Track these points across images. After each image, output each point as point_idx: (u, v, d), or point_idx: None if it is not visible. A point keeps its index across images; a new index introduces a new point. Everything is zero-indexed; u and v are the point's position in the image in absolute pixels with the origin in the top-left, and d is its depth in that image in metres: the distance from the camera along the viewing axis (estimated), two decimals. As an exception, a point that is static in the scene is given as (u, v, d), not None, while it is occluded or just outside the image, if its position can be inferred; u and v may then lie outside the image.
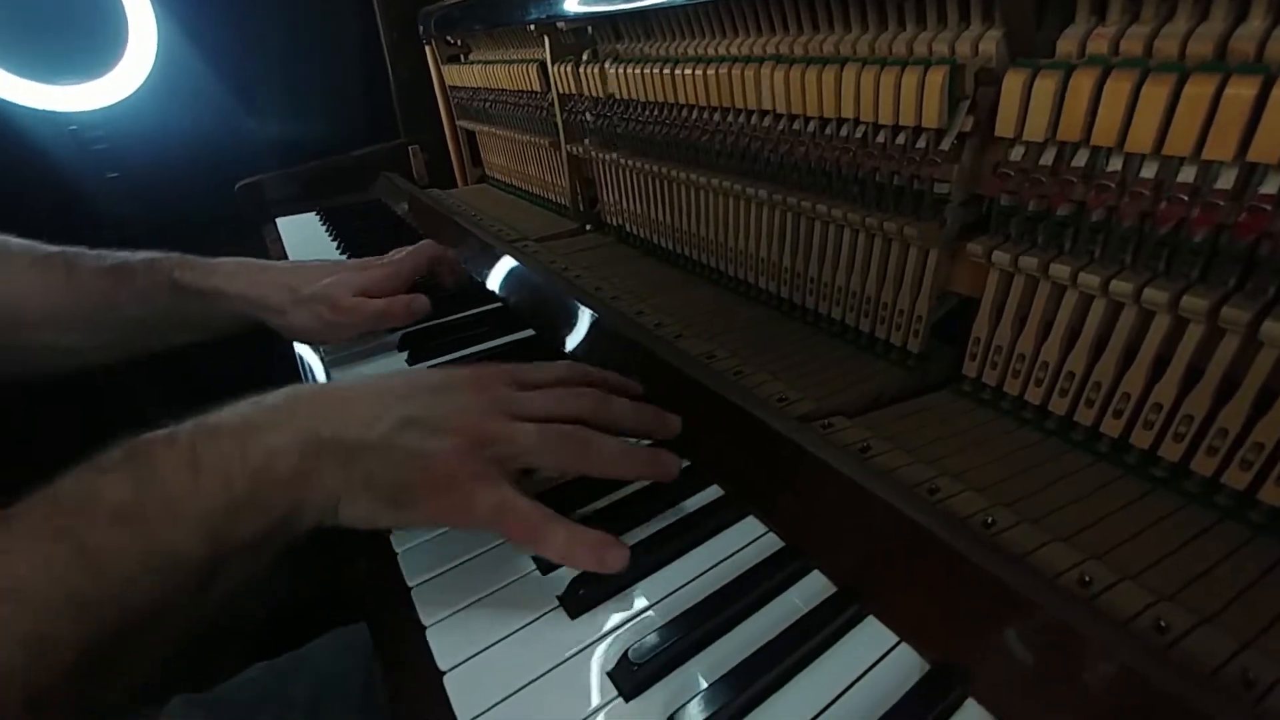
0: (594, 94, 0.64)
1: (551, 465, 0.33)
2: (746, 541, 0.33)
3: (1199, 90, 0.25)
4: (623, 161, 0.64)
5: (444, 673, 0.27)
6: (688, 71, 0.50)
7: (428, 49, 1.03)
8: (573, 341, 0.52)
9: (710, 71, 0.48)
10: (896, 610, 0.28)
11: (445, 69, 1.02)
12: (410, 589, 0.31)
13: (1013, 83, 0.31)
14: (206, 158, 1.10)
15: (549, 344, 0.54)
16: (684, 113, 0.54)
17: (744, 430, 0.37)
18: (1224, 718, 0.21)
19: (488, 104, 0.92)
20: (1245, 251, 0.27)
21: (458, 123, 1.07)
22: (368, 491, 0.30)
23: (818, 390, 0.41)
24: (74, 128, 1.02)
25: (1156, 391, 0.32)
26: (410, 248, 0.58)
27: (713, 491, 0.36)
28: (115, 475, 0.26)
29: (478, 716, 0.25)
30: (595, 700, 0.26)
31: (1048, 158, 0.32)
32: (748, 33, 0.48)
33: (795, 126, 0.45)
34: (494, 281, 0.67)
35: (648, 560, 0.31)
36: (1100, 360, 0.34)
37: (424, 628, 0.29)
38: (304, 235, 0.95)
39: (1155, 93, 0.27)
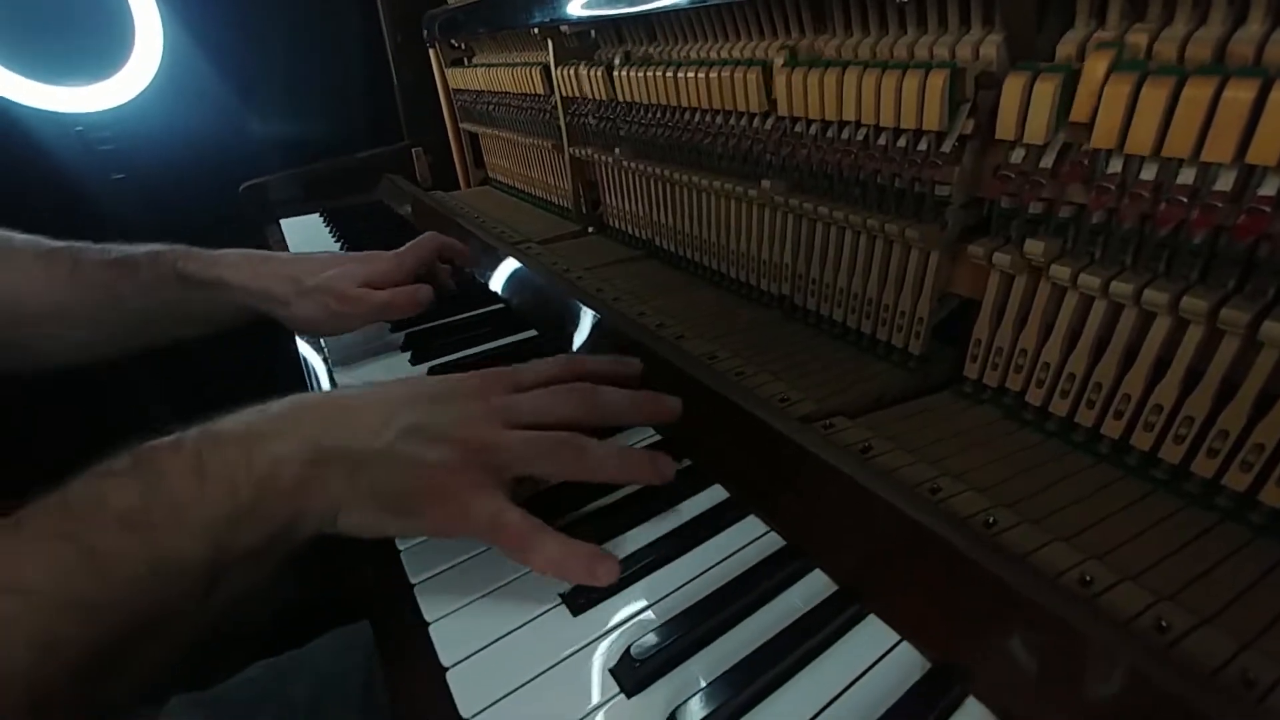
0: (597, 97, 0.65)
1: (547, 473, 0.33)
2: (748, 540, 0.33)
3: (1198, 93, 0.26)
4: (625, 164, 0.65)
5: (447, 669, 0.27)
6: (690, 74, 0.50)
7: (431, 52, 1.04)
8: (575, 342, 0.52)
9: (713, 74, 0.48)
10: (897, 609, 0.28)
11: (449, 72, 1.03)
12: (413, 586, 0.32)
13: (1013, 86, 0.32)
14: (211, 159, 1.11)
15: (551, 344, 0.55)
16: (686, 115, 0.54)
17: (745, 430, 0.37)
18: (1224, 718, 0.21)
19: (491, 107, 0.92)
20: (1244, 253, 0.28)
21: (461, 125, 1.08)
22: (371, 500, 0.30)
23: (819, 391, 0.41)
24: (80, 129, 1.03)
25: (1157, 393, 0.32)
26: (413, 241, 0.58)
27: (714, 491, 0.36)
28: (123, 481, 0.26)
29: (480, 712, 0.25)
30: (597, 697, 0.26)
31: (1048, 160, 0.32)
32: (750, 36, 0.49)
33: (797, 129, 0.45)
34: (497, 282, 0.67)
35: (650, 558, 0.31)
36: (1101, 362, 0.34)
37: (427, 624, 0.29)
38: (307, 236, 0.95)
39: (1154, 95, 0.27)
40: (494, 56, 0.92)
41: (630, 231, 0.71)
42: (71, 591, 0.23)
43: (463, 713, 0.25)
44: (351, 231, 0.93)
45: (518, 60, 0.82)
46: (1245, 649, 0.24)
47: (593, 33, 0.68)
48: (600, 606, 0.30)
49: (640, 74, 0.56)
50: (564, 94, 0.71)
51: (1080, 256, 0.34)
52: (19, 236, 0.50)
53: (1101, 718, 0.22)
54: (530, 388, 0.35)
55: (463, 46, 1.01)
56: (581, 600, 0.30)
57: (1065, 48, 0.31)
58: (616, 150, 0.65)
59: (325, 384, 0.55)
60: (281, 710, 0.45)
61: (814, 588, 0.30)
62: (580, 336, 0.52)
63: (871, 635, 0.27)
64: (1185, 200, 0.28)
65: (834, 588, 0.30)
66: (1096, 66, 0.29)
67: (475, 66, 0.94)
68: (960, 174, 0.37)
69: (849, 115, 0.40)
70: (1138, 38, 0.29)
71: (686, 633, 0.27)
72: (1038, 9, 0.33)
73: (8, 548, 0.24)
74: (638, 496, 0.36)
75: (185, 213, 1.04)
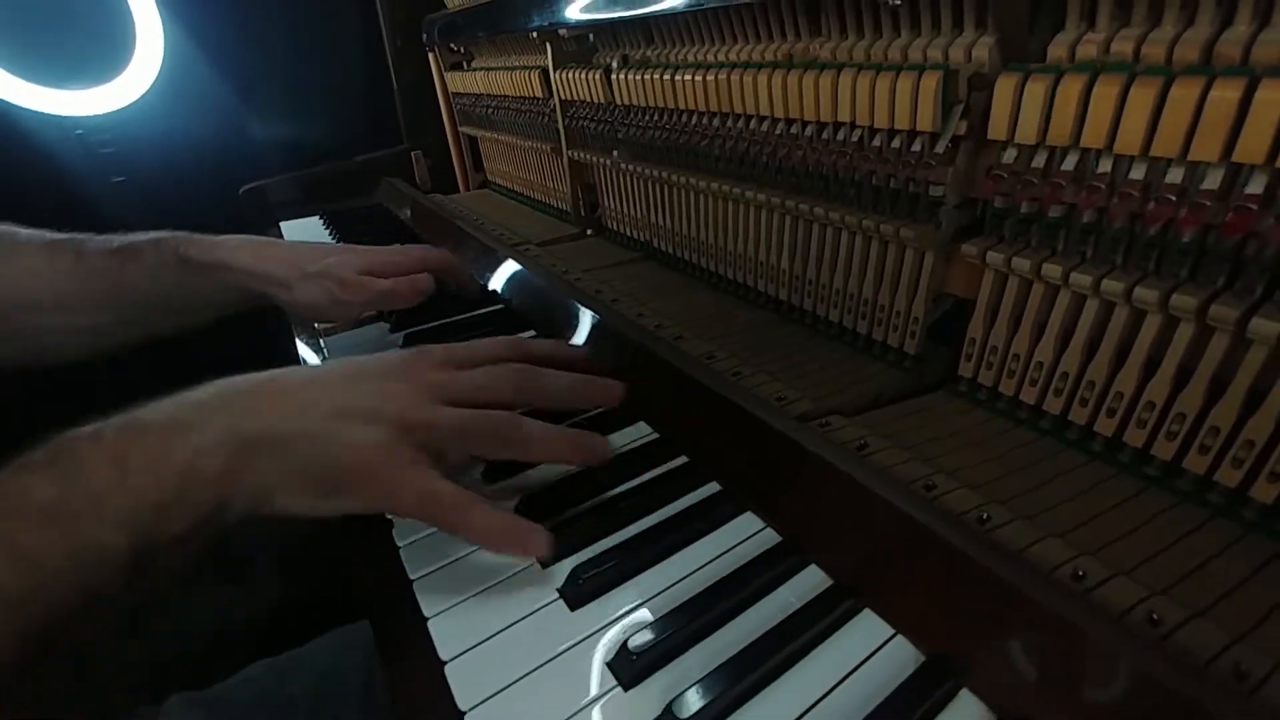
0: (595, 100, 0.65)
1: (477, 450, 0.33)
2: (744, 537, 0.33)
3: (1185, 93, 0.26)
4: (623, 166, 0.65)
5: (445, 663, 0.27)
6: (688, 77, 0.51)
7: (431, 56, 1.05)
8: (573, 341, 0.53)
9: (710, 77, 0.49)
10: (892, 604, 0.28)
11: (448, 75, 1.04)
12: (412, 582, 0.32)
13: (1004, 87, 0.32)
14: (211, 162, 1.11)
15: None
16: (684, 118, 0.55)
17: (742, 428, 0.37)
18: (1215, 707, 0.21)
19: (490, 110, 0.93)
20: (1232, 250, 0.28)
21: (460, 129, 1.08)
22: (301, 481, 0.30)
23: (816, 391, 0.42)
24: (80, 132, 1.03)
25: (1149, 390, 0.32)
26: (423, 246, 0.58)
27: (712, 488, 0.37)
28: (43, 474, 0.26)
29: (478, 705, 0.26)
30: (594, 689, 0.26)
31: (1039, 160, 0.33)
32: (746, 39, 0.49)
33: (793, 131, 0.45)
34: (496, 283, 0.67)
35: (647, 554, 0.32)
36: (1093, 360, 0.34)
37: (425, 619, 0.30)
38: (307, 239, 0.95)
39: (1143, 95, 0.27)
40: (493, 60, 0.92)
41: (628, 234, 0.71)
42: None
43: (461, 706, 0.26)
44: (351, 234, 0.93)
45: (516, 64, 0.83)
46: (1237, 642, 0.24)
47: (591, 36, 0.68)
48: (597, 601, 0.30)
49: (637, 77, 0.57)
50: (562, 97, 0.71)
51: (1072, 256, 0.34)
52: (23, 230, 0.51)
53: (1094, 711, 0.22)
54: (470, 367, 0.35)
55: (462, 50, 1.02)
56: (579, 595, 0.30)
57: (1056, 49, 0.32)
58: (615, 153, 0.66)
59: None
60: (281, 709, 0.45)
61: (809, 583, 0.30)
62: (579, 336, 0.53)
63: (866, 629, 0.28)
64: (1174, 199, 0.28)
65: (829, 583, 0.30)
66: (1071, 87, 0.30)
67: (474, 70, 0.95)
68: (954, 174, 0.37)
69: (844, 117, 0.40)
70: (1124, 44, 0.29)
71: (683, 627, 0.28)
72: (1029, 11, 0.33)
73: None
74: (636, 493, 0.36)
75: (185, 215, 1.04)
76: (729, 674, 0.25)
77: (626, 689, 0.26)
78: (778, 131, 0.47)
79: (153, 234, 0.52)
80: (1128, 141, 0.28)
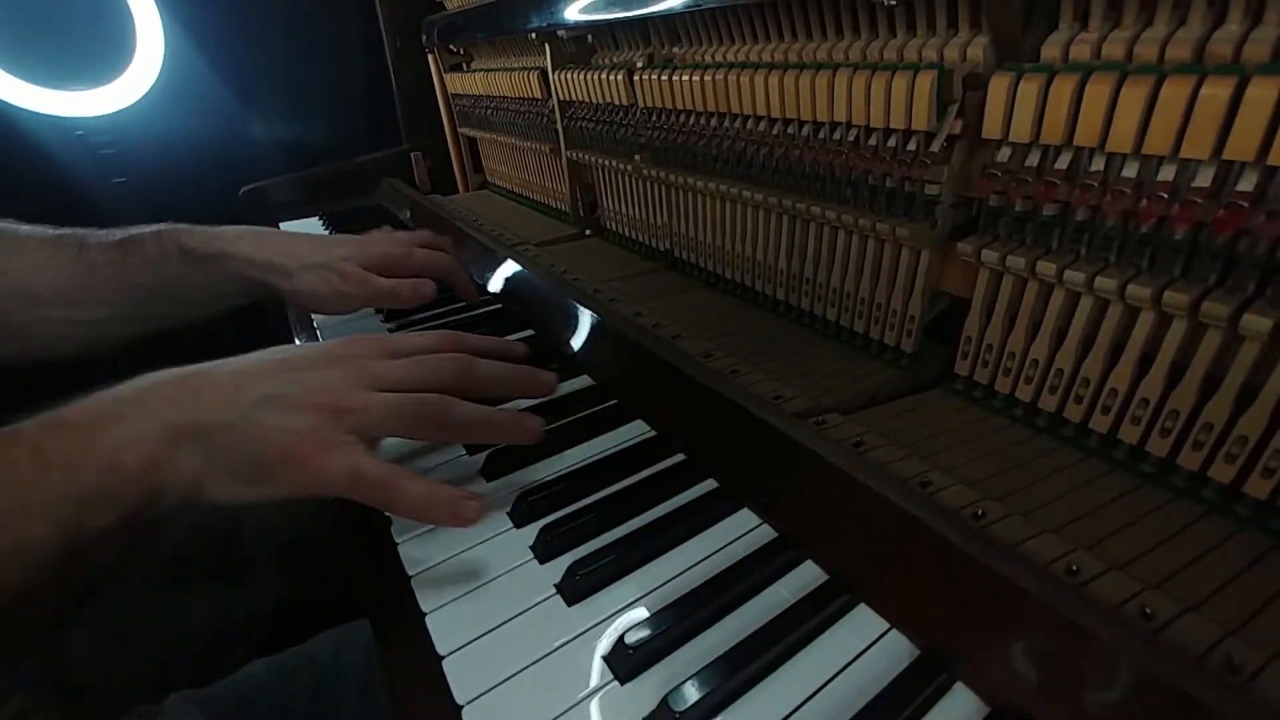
0: (594, 101, 0.65)
1: (410, 433, 0.34)
2: (741, 533, 0.33)
3: (1176, 91, 0.26)
4: (621, 167, 0.65)
5: (443, 657, 0.28)
6: (684, 78, 0.51)
7: (430, 57, 1.05)
8: (572, 340, 0.53)
9: (707, 78, 0.49)
10: (887, 598, 0.28)
11: (448, 77, 1.04)
12: (410, 578, 0.32)
13: (998, 86, 0.32)
14: (211, 162, 1.11)
15: (549, 344, 0.55)
16: (681, 118, 0.55)
17: (740, 426, 0.37)
18: (1206, 697, 0.21)
19: (489, 111, 0.93)
20: (1224, 248, 0.28)
21: (459, 130, 1.09)
22: (228, 470, 0.30)
23: (813, 389, 0.42)
24: (81, 133, 1.04)
25: (1143, 387, 0.32)
26: (426, 233, 0.58)
27: (707, 485, 0.37)
28: None
29: (475, 699, 0.26)
30: (591, 683, 0.26)
31: (1033, 159, 0.33)
32: (744, 40, 0.49)
33: (790, 131, 0.46)
34: (495, 283, 0.67)
35: (644, 550, 0.32)
36: (1088, 357, 0.34)
37: (423, 614, 0.30)
38: (307, 240, 0.96)
39: (1134, 94, 0.28)
40: (492, 61, 0.93)
41: (627, 234, 0.72)
42: None
43: (458, 699, 0.26)
44: (351, 235, 0.93)
45: (515, 65, 0.83)
46: (1230, 635, 0.24)
47: (589, 38, 0.69)
48: (594, 596, 0.30)
49: (636, 78, 0.57)
50: (561, 98, 0.72)
51: (1066, 253, 0.34)
52: (24, 226, 0.51)
53: (1087, 703, 0.23)
54: (405, 356, 0.36)
55: (461, 52, 1.02)
56: (576, 590, 0.30)
57: (1050, 49, 0.32)
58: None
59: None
60: (280, 708, 0.45)
61: (805, 578, 0.30)
62: (577, 334, 0.53)
63: (861, 623, 0.28)
64: (1166, 197, 0.29)
65: (825, 578, 0.30)
66: (1064, 86, 0.30)
67: (473, 71, 0.95)
68: (949, 173, 0.37)
69: (840, 117, 0.40)
70: (1117, 45, 0.30)
71: (680, 621, 0.28)
72: (1024, 12, 0.34)
73: None
74: (634, 490, 0.37)
75: (186, 216, 1.04)
76: (725, 668, 0.26)
77: (623, 683, 0.26)
78: (775, 131, 0.47)
79: (153, 226, 0.53)
80: (1120, 140, 0.29)
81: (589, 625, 0.29)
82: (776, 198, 0.48)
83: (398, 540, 0.34)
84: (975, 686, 0.25)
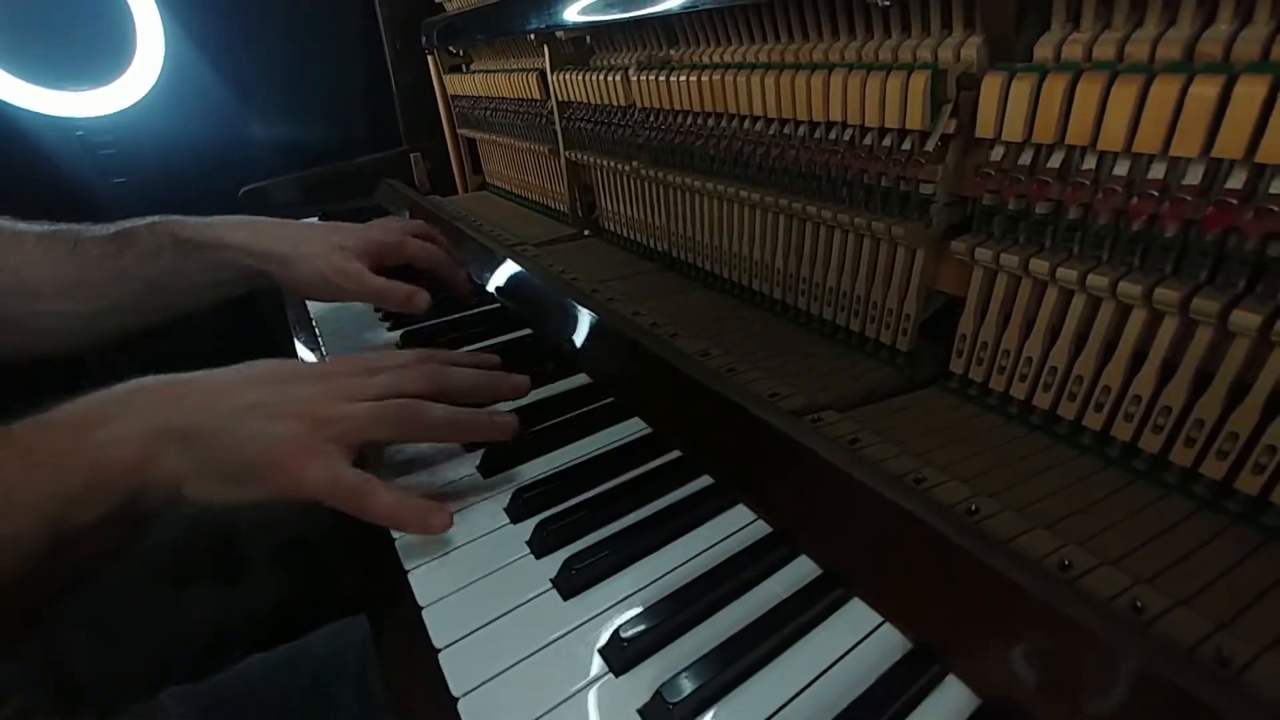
0: (592, 102, 0.66)
1: (387, 437, 0.36)
2: (736, 528, 0.33)
3: (1165, 90, 0.27)
4: (620, 167, 0.66)
5: (439, 650, 0.28)
6: (681, 78, 0.51)
7: (430, 59, 1.05)
8: (570, 339, 0.53)
9: (704, 78, 0.49)
10: (880, 592, 0.28)
11: (447, 78, 1.04)
12: (407, 573, 0.32)
13: (991, 86, 0.33)
14: (212, 163, 1.11)
15: (547, 342, 0.55)
16: (678, 118, 0.55)
17: (736, 423, 0.38)
18: (1194, 688, 0.21)
19: (488, 112, 0.93)
20: (1214, 245, 0.28)
21: (459, 131, 1.09)
22: (211, 472, 0.32)
23: (809, 387, 0.42)
24: (81, 133, 1.04)
25: (1135, 384, 0.33)
26: (419, 223, 0.58)
27: (703, 482, 0.37)
28: None
29: (471, 691, 0.26)
30: (586, 675, 0.26)
31: (1026, 158, 0.33)
32: (740, 40, 0.50)
33: (786, 131, 0.46)
34: (494, 283, 0.68)
35: (639, 545, 0.32)
36: (1080, 355, 0.35)
37: (420, 609, 0.30)
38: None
39: (1125, 93, 0.28)
40: (491, 63, 0.93)
41: (626, 234, 0.72)
42: None
43: (454, 692, 0.26)
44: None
45: (514, 66, 0.84)
46: (1220, 629, 0.24)
47: (588, 39, 0.69)
48: (590, 591, 0.30)
49: (634, 79, 0.57)
50: (560, 99, 0.72)
51: (1058, 252, 0.34)
52: (20, 223, 0.51)
53: (1077, 695, 0.23)
54: (382, 373, 0.37)
55: (460, 53, 1.03)
56: (572, 585, 0.30)
57: (1042, 49, 0.32)
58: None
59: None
60: (277, 703, 0.45)
61: (800, 573, 0.31)
62: (575, 334, 0.53)
63: (855, 617, 0.28)
64: (1156, 194, 0.29)
65: (819, 573, 0.30)
66: (1056, 86, 0.30)
67: (473, 73, 0.95)
68: (944, 172, 0.38)
69: (835, 116, 0.41)
70: (1107, 45, 0.30)
71: (674, 615, 0.28)
72: (1016, 12, 0.34)
73: None
74: (631, 486, 0.37)
75: (186, 216, 1.05)
76: (719, 660, 0.26)
77: (618, 675, 0.26)
78: (771, 132, 0.47)
79: (147, 219, 0.53)
80: (1111, 139, 0.29)
81: (585, 619, 0.29)
82: (773, 197, 0.48)
83: (395, 536, 0.35)
84: (967, 679, 0.25)
